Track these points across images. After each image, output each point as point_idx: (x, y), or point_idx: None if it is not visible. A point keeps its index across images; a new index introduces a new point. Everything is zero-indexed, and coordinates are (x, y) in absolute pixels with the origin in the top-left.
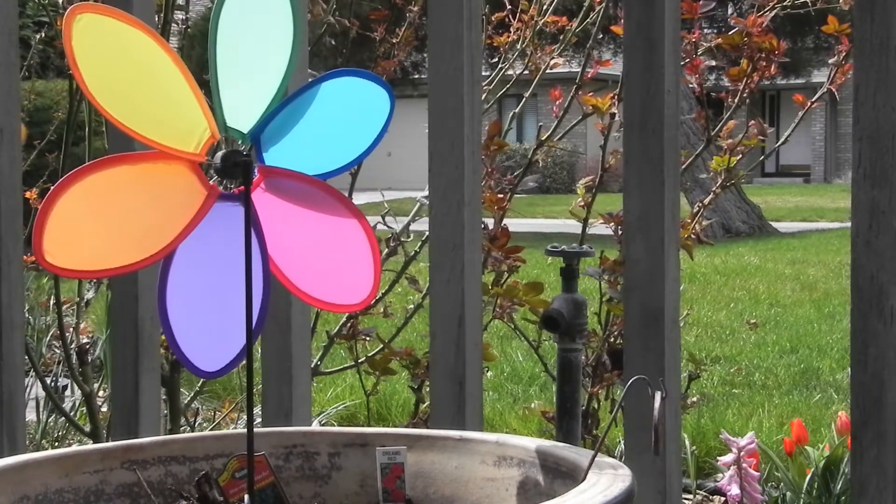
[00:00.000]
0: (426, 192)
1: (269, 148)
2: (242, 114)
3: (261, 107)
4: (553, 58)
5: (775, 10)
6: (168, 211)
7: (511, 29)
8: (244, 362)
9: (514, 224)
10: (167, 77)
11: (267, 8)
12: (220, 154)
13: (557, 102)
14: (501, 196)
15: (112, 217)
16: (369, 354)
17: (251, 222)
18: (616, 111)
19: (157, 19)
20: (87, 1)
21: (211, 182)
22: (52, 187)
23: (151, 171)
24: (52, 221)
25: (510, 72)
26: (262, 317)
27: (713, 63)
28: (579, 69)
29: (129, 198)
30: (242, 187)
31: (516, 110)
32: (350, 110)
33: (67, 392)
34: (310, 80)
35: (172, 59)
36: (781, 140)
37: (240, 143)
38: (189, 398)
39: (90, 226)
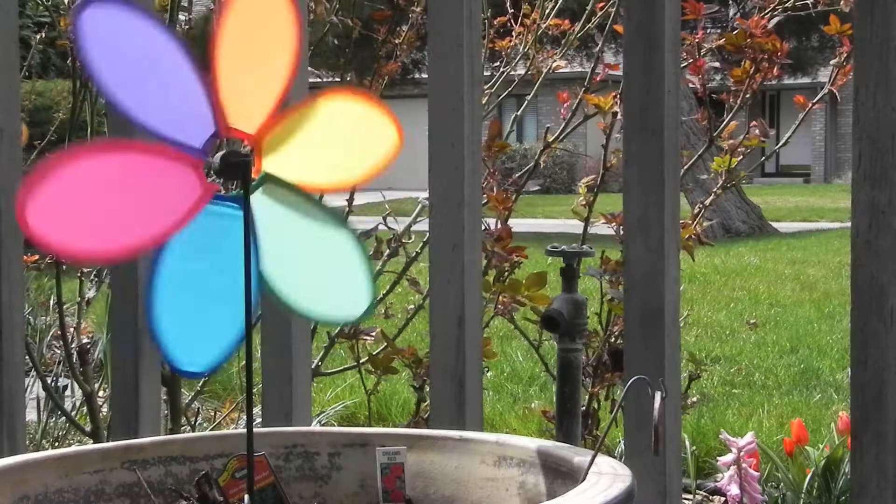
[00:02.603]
0: (427, 193)
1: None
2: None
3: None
4: (555, 60)
5: (776, 14)
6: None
7: (513, 33)
8: (244, 363)
9: (514, 224)
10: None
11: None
12: (219, 154)
13: (566, 105)
14: (506, 196)
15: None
16: (371, 354)
17: (245, 222)
18: (618, 110)
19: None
20: None
21: (209, 181)
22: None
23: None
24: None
25: (512, 73)
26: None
27: (717, 64)
28: (580, 70)
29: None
30: (240, 188)
31: (518, 112)
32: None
33: (68, 392)
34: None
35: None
36: (782, 142)
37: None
38: (189, 398)
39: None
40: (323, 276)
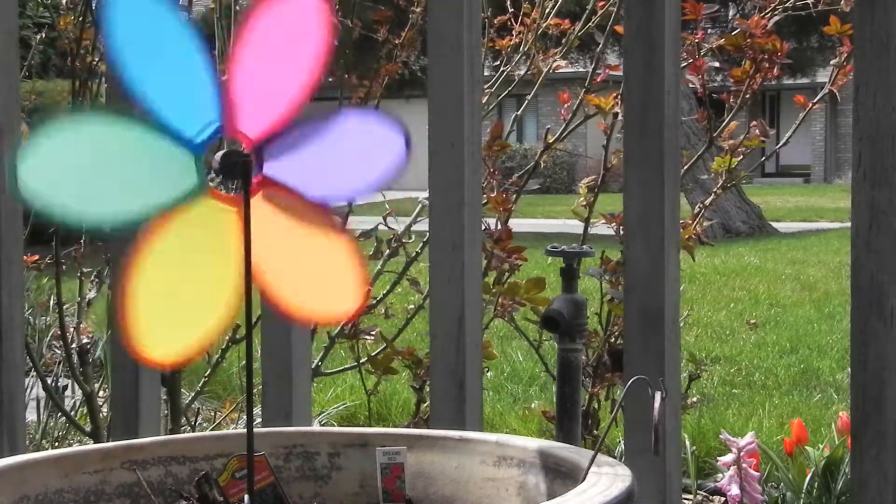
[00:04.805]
0: (427, 193)
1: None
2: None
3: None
4: (555, 60)
5: (777, 14)
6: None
7: (513, 32)
8: (244, 363)
9: (514, 224)
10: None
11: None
12: (219, 153)
13: (566, 105)
14: (506, 197)
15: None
16: (371, 354)
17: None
18: (619, 111)
19: None
20: None
21: (208, 178)
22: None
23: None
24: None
25: (512, 73)
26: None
27: (716, 64)
28: (581, 70)
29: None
30: (239, 191)
31: (518, 112)
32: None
33: (68, 392)
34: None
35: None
36: (782, 142)
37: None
38: (189, 398)
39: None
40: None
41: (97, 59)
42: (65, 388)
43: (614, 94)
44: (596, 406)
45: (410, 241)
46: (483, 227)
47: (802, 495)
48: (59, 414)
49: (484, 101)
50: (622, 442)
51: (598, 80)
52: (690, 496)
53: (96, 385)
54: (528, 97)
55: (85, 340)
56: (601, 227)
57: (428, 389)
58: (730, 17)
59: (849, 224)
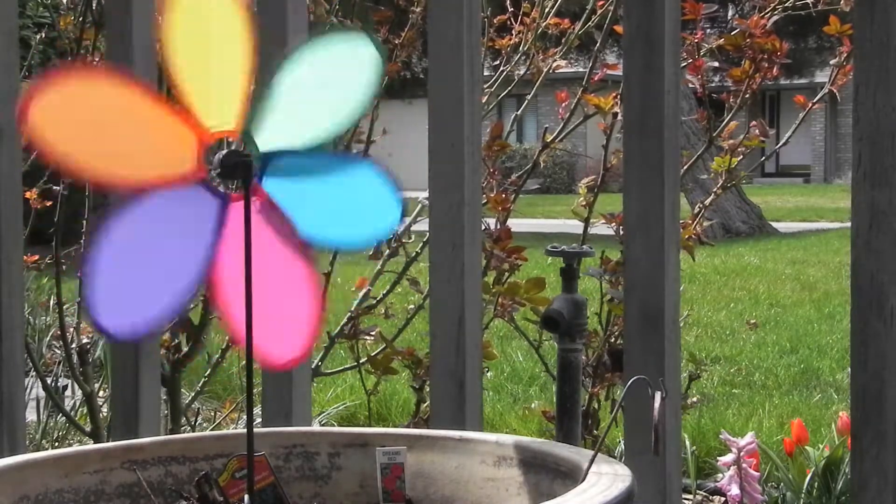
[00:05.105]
0: (427, 193)
1: (271, 176)
2: (270, 132)
3: (291, 140)
4: (555, 60)
5: (776, 13)
6: (153, 157)
7: (513, 32)
8: (244, 363)
9: (514, 224)
10: (234, 56)
11: (355, 68)
12: (220, 153)
13: (564, 105)
14: (505, 197)
15: (106, 123)
16: (371, 354)
17: (245, 223)
18: (618, 110)
19: None
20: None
21: (206, 166)
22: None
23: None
24: (49, 97)
25: (512, 73)
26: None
27: (716, 64)
28: (581, 70)
29: (129, 121)
30: (238, 190)
31: (518, 112)
32: (364, 201)
33: (68, 392)
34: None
35: (248, 44)
36: (782, 142)
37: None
38: (189, 398)
39: (83, 117)
40: (350, 208)
41: (97, 60)
42: (65, 388)
43: (614, 94)
44: (596, 406)
45: (410, 241)
46: (483, 227)
47: (802, 495)
48: (59, 414)
49: (484, 101)
50: (622, 442)
51: (596, 79)
52: (690, 496)
53: (96, 385)
54: (528, 97)
55: (85, 340)
56: (601, 227)
57: (428, 389)
58: (729, 17)
59: (849, 224)
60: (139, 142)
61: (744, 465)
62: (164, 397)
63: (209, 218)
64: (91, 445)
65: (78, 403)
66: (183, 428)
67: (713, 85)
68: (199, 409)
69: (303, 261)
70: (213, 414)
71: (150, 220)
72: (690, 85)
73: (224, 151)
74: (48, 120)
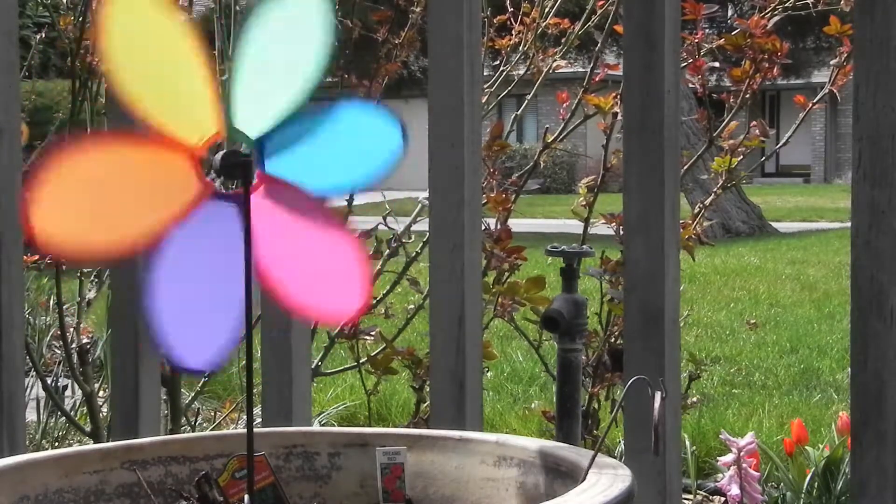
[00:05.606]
0: (427, 193)
1: (271, 156)
2: (252, 118)
3: (273, 115)
4: (555, 60)
5: (776, 13)
6: (160, 199)
7: (513, 32)
8: (244, 362)
9: (514, 224)
10: (185, 65)
11: (303, 19)
12: (219, 154)
13: (564, 105)
14: (505, 197)
15: (103, 195)
16: (371, 354)
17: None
18: (618, 110)
19: None
20: None
21: (209, 179)
22: (46, 156)
23: (149, 157)
24: (44, 192)
25: (512, 73)
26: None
27: (716, 64)
28: (580, 70)
29: (124, 179)
30: (240, 188)
31: (518, 112)
32: (360, 138)
33: (68, 392)
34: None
35: (194, 48)
36: (782, 142)
37: (243, 146)
38: (189, 398)
39: (80, 200)
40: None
41: (97, 59)
42: (65, 388)
43: (614, 94)
44: (596, 406)
45: (410, 241)
46: (483, 227)
47: (802, 495)
48: (59, 414)
49: (484, 101)
50: (622, 442)
51: (597, 79)
52: (690, 496)
53: (96, 385)
54: (528, 97)
55: (85, 340)
56: (601, 227)
57: (428, 389)
58: (728, 17)
59: (849, 224)
60: (143, 192)
61: (744, 465)
62: (164, 397)
63: (235, 223)
64: (91, 445)
65: (78, 403)
66: (183, 428)
67: (713, 85)
68: (199, 409)
69: (335, 225)
70: (213, 414)
71: (187, 252)
72: (690, 85)
73: (219, 154)
74: (55, 221)
